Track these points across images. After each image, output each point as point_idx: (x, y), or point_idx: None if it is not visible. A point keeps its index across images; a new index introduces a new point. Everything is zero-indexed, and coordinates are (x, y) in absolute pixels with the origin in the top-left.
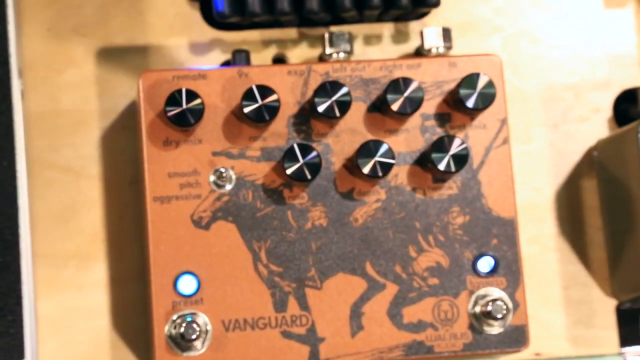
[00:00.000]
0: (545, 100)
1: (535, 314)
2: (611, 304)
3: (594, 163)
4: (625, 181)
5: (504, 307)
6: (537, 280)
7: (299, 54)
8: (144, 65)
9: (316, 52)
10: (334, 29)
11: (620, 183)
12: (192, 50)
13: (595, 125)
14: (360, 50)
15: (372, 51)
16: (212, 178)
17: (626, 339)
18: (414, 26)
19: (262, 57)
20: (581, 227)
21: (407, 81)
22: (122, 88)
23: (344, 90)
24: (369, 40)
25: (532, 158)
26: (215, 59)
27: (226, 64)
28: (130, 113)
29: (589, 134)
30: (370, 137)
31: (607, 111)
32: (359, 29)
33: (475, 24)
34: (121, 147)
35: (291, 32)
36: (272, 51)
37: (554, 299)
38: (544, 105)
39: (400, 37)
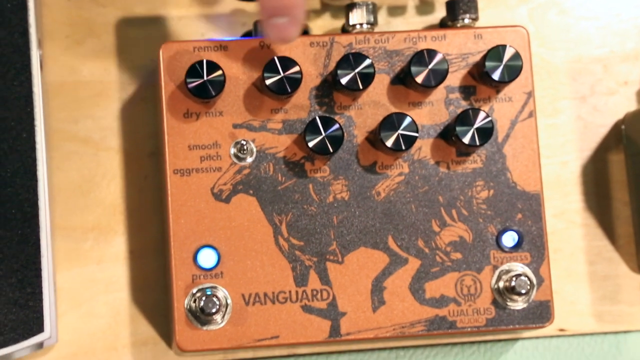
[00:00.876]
0: (573, 73)
1: (560, 289)
2: (637, 279)
3: (622, 136)
4: None
5: (528, 282)
6: (562, 256)
7: (321, 24)
8: (165, 35)
9: (339, 22)
10: None
11: None
12: (214, 21)
13: (624, 98)
14: (384, 21)
15: (396, 22)
16: (232, 151)
17: None
18: None
19: None
20: (608, 202)
21: (431, 53)
22: (143, 59)
23: (367, 62)
24: (393, 11)
25: (558, 131)
26: (236, 30)
27: (248, 35)
28: (151, 84)
29: (617, 107)
30: (393, 109)
31: (636, 84)
32: (383, 0)
33: None
34: (141, 119)
35: (314, 3)
36: None
37: (579, 275)
38: (571, 77)
39: (425, 8)
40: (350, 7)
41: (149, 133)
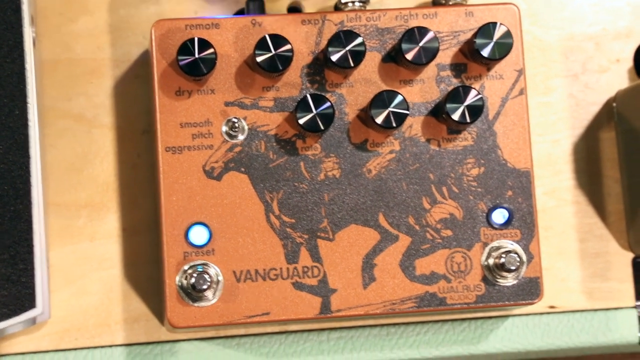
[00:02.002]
0: (565, 51)
1: (550, 267)
2: (628, 256)
3: (613, 114)
4: None
5: (518, 259)
6: (553, 233)
7: (314, 2)
8: (158, 13)
9: (332, 1)
10: None
11: None
12: None
13: (616, 76)
14: None
15: (389, 0)
16: (224, 128)
17: None
18: None
19: (277, 6)
20: (599, 179)
21: (422, 30)
22: (136, 37)
23: (358, 40)
24: None
25: (550, 109)
26: (229, 7)
27: (240, 13)
28: (144, 62)
29: (609, 84)
30: (384, 87)
31: (628, 61)
32: None
33: None
34: (134, 96)
35: None
36: (287, 0)
37: (570, 252)
38: (564, 55)
39: None
40: None
41: (143, 110)
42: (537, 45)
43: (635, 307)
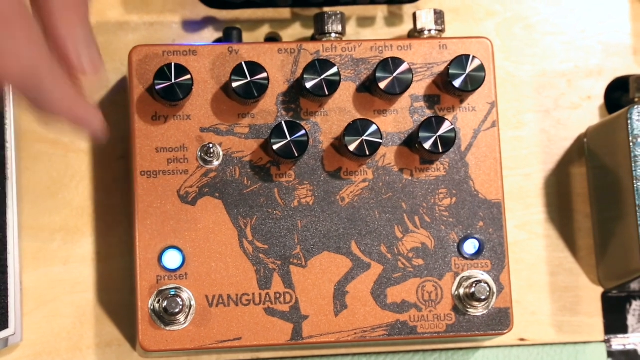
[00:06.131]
0: (538, 87)
1: (521, 299)
2: (597, 291)
3: (584, 150)
4: (614, 168)
5: (488, 289)
6: (523, 266)
7: (291, 33)
8: (136, 41)
9: (309, 32)
10: (328, 9)
11: (610, 170)
12: (185, 27)
13: (587, 113)
14: (353, 31)
15: (365, 33)
16: (199, 154)
17: (611, 327)
18: (407, 9)
19: (254, 36)
20: (569, 214)
21: (396, 61)
22: (114, 63)
23: (333, 69)
24: (362, 22)
25: (522, 144)
26: (208, 36)
27: (218, 41)
28: (121, 89)
29: (580, 121)
30: (359, 117)
31: (599, 99)
32: (353, 10)
33: (470, 8)
34: (111, 122)
35: (284, 12)
36: (264, 30)
37: (540, 285)
38: (536, 91)
39: (393, 19)
40: (319, 16)
41: (119, 137)
42: (510, 80)
43: (604, 341)
